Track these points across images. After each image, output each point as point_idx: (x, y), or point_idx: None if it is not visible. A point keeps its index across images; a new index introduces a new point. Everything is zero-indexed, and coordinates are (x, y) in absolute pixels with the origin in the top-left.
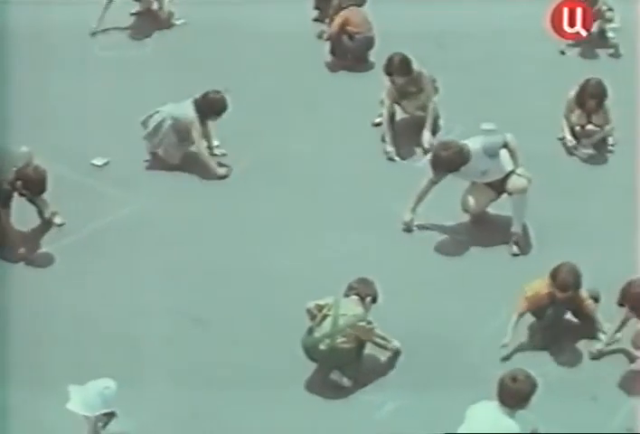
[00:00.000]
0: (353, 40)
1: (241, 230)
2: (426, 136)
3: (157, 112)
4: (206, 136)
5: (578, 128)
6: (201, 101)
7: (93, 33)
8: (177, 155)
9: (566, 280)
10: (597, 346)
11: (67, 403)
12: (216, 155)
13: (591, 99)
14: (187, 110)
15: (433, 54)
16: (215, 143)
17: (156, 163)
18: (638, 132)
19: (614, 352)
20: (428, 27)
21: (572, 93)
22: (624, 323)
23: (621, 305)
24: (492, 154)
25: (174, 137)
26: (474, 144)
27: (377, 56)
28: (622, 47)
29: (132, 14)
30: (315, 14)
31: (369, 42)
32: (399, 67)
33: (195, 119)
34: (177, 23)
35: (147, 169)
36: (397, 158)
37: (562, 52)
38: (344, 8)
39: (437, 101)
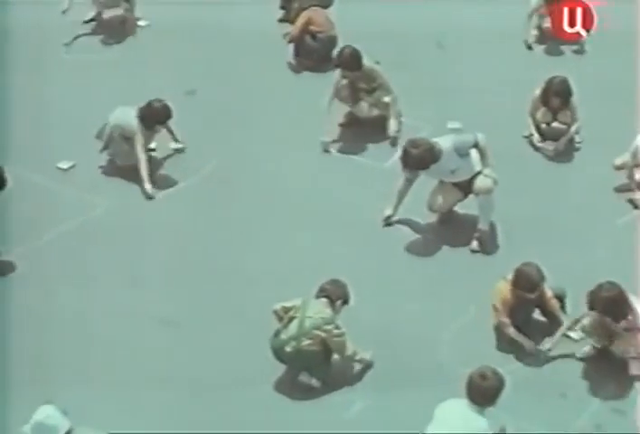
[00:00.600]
0: (317, 39)
1: (211, 231)
2: (392, 124)
3: (106, 124)
4: (172, 136)
5: (544, 126)
6: (144, 110)
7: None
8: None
9: (530, 282)
10: (547, 345)
11: None
12: (182, 152)
13: (556, 97)
14: (131, 119)
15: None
16: (180, 146)
17: (121, 167)
18: (604, 129)
19: (565, 355)
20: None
21: (537, 92)
22: (576, 321)
23: (592, 309)
24: (462, 153)
25: (126, 146)
26: (445, 142)
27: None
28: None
29: (85, 22)
30: (280, 14)
31: (332, 41)
32: (348, 60)
33: (138, 129)
34: (142, 24)
35: (113, 173)
36: (332, 150)
37: (529, 47)
38: (305, 9)
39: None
